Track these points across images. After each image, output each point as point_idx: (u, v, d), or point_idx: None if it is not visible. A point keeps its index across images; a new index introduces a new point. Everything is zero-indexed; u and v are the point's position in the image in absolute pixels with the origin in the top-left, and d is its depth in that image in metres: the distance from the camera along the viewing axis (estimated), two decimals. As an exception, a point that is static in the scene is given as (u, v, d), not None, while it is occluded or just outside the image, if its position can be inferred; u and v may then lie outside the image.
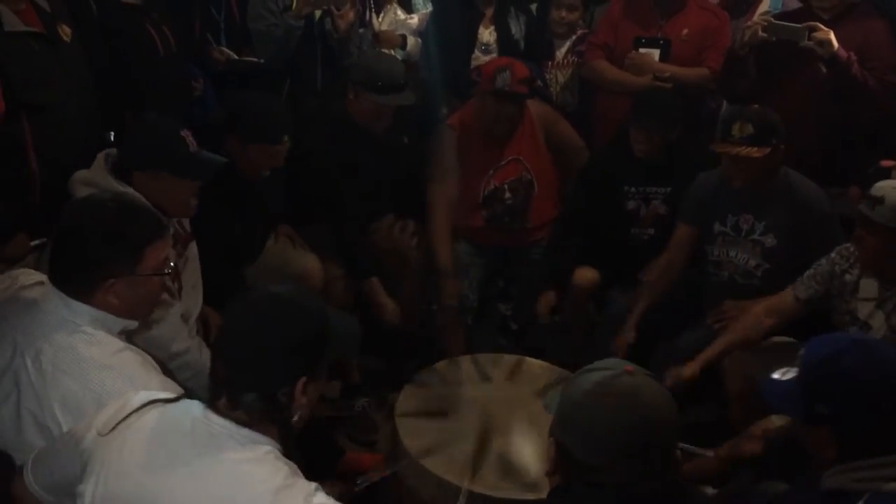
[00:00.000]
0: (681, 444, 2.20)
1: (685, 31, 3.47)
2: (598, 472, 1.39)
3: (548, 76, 3.79)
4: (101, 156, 2.29)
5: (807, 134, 3.00)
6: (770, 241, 2.85)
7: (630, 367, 1.47)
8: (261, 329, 1.45)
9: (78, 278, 1.77)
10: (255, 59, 3.41)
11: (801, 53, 2.97)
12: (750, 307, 2.72)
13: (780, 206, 2.80)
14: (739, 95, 3.26)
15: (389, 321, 3.15)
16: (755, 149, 2.65)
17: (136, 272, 1.81)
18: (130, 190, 2.20)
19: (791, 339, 2.62)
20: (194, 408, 1.48)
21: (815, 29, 2.92)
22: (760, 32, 2.99)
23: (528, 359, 2.74)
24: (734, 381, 2.68)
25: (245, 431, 1.42)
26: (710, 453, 2.32)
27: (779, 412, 1.90)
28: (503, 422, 2.39)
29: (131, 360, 1.78)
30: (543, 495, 2.04)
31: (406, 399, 2.47)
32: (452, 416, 2.40)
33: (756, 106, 2.82)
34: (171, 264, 1.93)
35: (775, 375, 1.75)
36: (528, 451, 2.23)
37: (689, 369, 2.64)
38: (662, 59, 3.48)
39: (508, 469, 2.20)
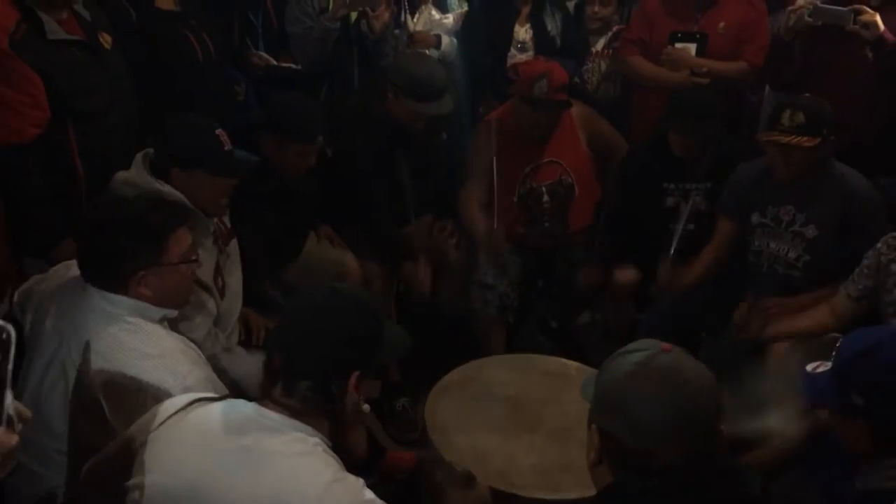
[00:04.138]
0: None
1: (722, 25, 3.42)
2: (652, 457, 1.34)
3: (590, 64, 3.77)
4: (139, 156, 2.33)
5: (855, 120, 2.95)
6: (811, 232, 2.80)
7: (667, 345, 1.43)
8: (321, 319, 1.50)
9: (108, 273, 1.83)
10: (293, 66, 3.44)
11: (847, 38, 2.93)
12: (793, 304, 2.69)
13: (823, 197, 2.76)
14: (784, 82, 3.21)
15: (419, 289, 3.19)
16: (805, 138, 2.61)
17: (163, 261, 1.85)
18: (168, 188, 2.24)
19: (837, 334, 2.58)
20: (243, 405, 1.51)
21: (861, 12, 2.88)
22: (806, 17, 2.95)
23: (564, 360, 2.72)
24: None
25: (297, 423, 1.45)
26: None
27: (815, 405, 1.86)
28: (536, 420, 2.38)
29: (173, 350, 1.82)
30: (571, 495, 2.03)
31: (438, 396, 2.48)
32: (485, 414, 2.40)
33: (808, 95, 2.77)
34: (199, 252, 1.96)
35: (808, 368, 1.76)
36: (560, 450, 2.22)
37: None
38: (699, 53, 3.43)
39: (539, 468, 2.20)
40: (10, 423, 0.91)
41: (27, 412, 0.95)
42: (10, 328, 0.90)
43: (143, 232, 1.84)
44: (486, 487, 1.91)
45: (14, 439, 0.92)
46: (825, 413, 1.78)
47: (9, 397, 0.91)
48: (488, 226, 3.27)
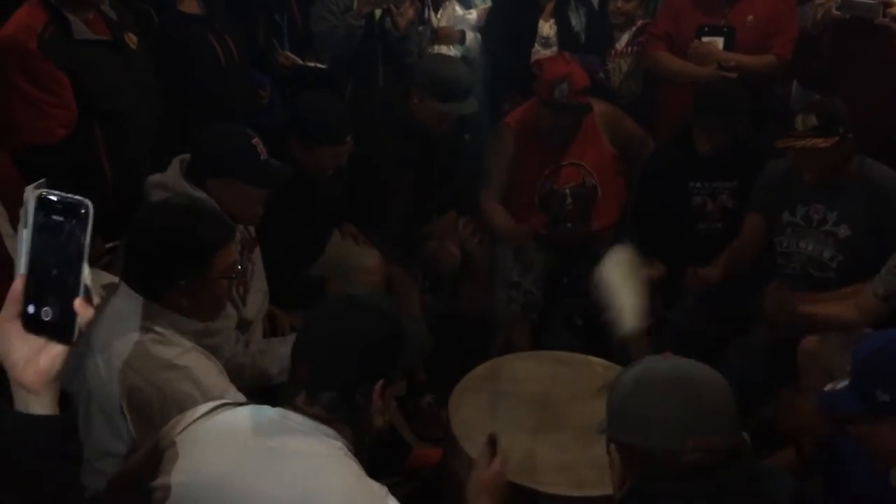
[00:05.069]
0: None
1: (750, 18, 3.37)
2: (674, 456, 1.33)
3: (610, 65, 3.74)
4: (176, 161, 2.34)
5: (885, 115, 2.90)
6: (844, 231, 2.76)
7: (668, 354, 1.48)
8: (343, 330, 1.49)
9: (150, 279, 1.83)
10: (319, 65, 3.45)
11: (876, 31, 2.89)
12: (816, 301, 2.66)
13: (854, 195, 2.71)
14: (813, 78, 3.17)
15: (450, 263, 3.17)
16: (820, 139, 2.57)
17: (206, 275, 1.86)
18: (203, 195, 2.25)
19: (871, 331, 2.53)
20: (268, 409, 1.51)
21: (890, 4, 2.84)
22: (834, 10, 2.91)
23: (590, 357, 2.70)
24: (810, 375, 2.60)
25: (321, 427, 1.45)
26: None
27: (841, 416, 1.85)
28: (561, 418, 2.37)
29: (198, 362, 1.83)
30: (596, 492, 2.02)
31: (462, 392, 2.47)
32: (510, 411, 2.39)
33: (818, 96, 2.74)
34: (239, 267, 1.97)
35: (826, 388, 1.79)
36: (585, 447, 2.21)
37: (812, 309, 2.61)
38: (727, 47, 3.38)
39: (564, 465, 2.19)
40: (87, 294, 0.95)
41: (98, 297, 0.99)
42: (89, 203, 0.95)
43: (194, 244, 1.85)
44: (502, 469, 1.86)
45: (90, 312, 0.96)
46: (855, 427, 1.77)
47: (86, 270, 0.95)
48: (512, 221, 3.25)
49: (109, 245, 2.58)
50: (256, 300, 2.52)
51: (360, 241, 3.19)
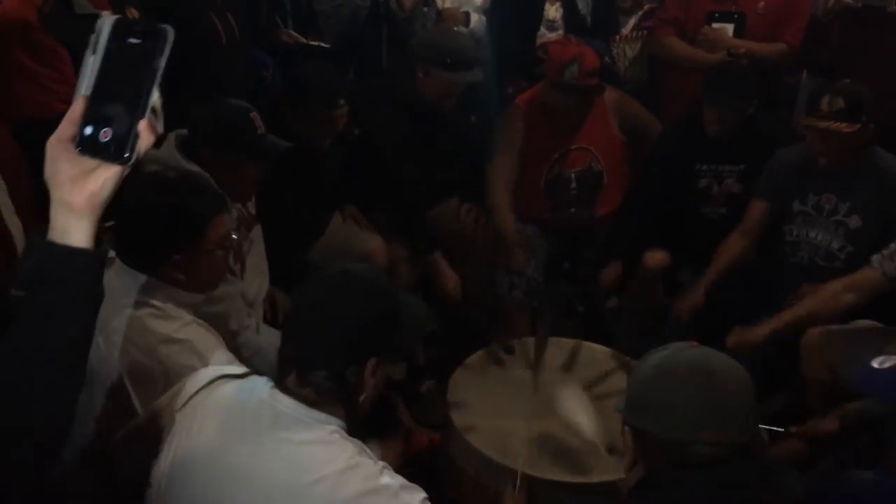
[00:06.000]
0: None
1: (761, 5, 3.34)
2: (686, 448, 1.33)
3: (615, 51, 3.70)
4: (171, 135, 2.32)
5: (892, 103, 2.87)
6: (855, 222, 2.74)
7: (693, 342, 1.46)
8: (331, 306, 1.44)
9: (144, 253, 1.82)
10: (323, 45, 3.42)
11: (887, 20, 2.86)
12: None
13: (867, 186, 2.69)
14: (821, 66, 3.13)
15: (451, 294, 3.11)
16: (845, 124, 2.55)
17: (200, 246, 1.84)
18: (197, 168, 2.22)
19: (875, 323, 2.51)
20: (261, 387, 1.47)
21: None
22: None
23: (588, 343, 2.69)
24: (813, 367, 2.58)
25: (312, 412, 1.41)
26: (783, 430, 2.30)
27: (888, 400, 1.81)
28: (556, 404, 2.36)
29: (198, 334, 1.82)
30: (591, 479, 2.02)
31: (461, 378, 2.47)
32: (505, 397, 2.39)
33: (847, 80, 2.70)
34: (233, 237, 1.95)
35: (875, 364, 1.71)
36: (579, 433, 2.20)
37: (756, 333, 2.56)
38: (737, 34, 3.35)
39: (558, 452, 2.18)
40: (150, 121, 0.96)
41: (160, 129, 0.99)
42: (171, 29, 0.96)
43: (185, 217, 1.83)
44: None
45: (152, 138, 0.97)
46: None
47: (155, 94, 0.96)
48: (513, 226, 3.22)
49: (108, 224, 2.56)
50: (256, 280, 2.50)
51: (363, 224, 3.17)
